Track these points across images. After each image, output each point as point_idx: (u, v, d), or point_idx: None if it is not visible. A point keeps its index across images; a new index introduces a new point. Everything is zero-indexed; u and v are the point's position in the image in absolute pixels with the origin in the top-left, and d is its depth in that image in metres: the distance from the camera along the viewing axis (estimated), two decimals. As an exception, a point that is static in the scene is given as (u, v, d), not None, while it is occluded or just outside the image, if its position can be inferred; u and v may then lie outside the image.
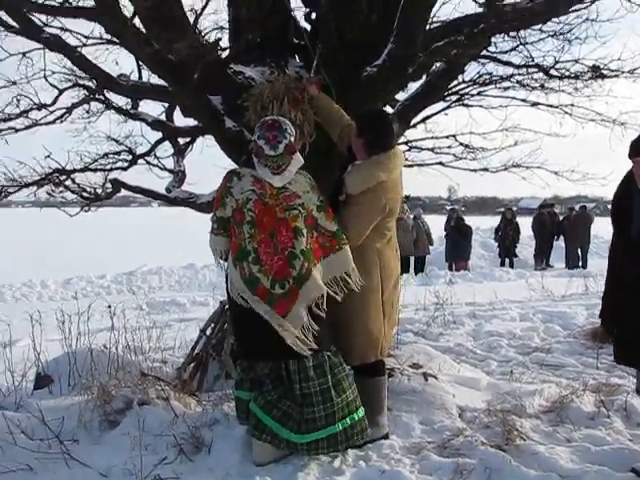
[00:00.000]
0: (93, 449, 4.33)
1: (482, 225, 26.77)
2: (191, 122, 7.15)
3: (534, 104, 7.78)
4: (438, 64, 6.34)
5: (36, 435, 4.41)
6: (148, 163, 7.88)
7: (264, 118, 4.14)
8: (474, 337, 8.28)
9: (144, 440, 4.18)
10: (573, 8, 5.74)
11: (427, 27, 5.16)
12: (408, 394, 5.03)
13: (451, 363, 6.14)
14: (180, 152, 7.83)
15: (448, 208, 22.52)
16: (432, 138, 8.27)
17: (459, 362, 6.49)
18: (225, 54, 5.16)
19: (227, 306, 5.31)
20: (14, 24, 5.31)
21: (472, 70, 7.60)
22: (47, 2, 4.78)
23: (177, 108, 7.16)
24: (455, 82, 7.37)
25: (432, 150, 8.31)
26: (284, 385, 4.13)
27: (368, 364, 4.44)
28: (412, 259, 18.21)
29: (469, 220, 20.56)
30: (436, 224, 20.89)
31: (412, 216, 18.36)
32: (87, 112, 7.78)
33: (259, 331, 4.00)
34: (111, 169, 7.47)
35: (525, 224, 21.43)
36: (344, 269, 4.11)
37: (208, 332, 6.10)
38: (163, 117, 7.63)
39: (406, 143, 8.19)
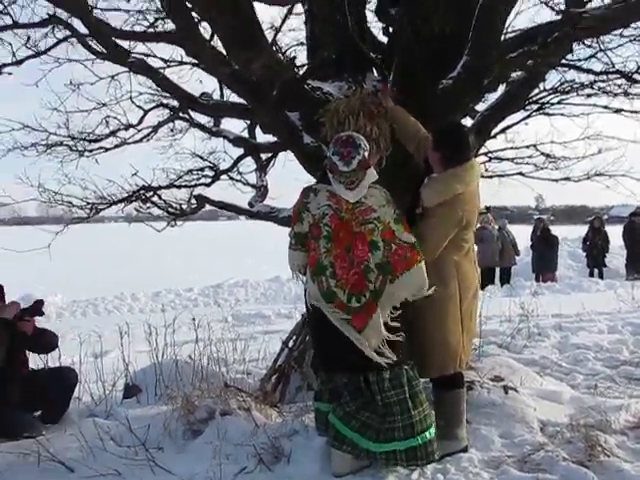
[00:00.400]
0: (177, 457, 4.48)
1: (571, 235, 26.05)
2: (272, 138, 7.31)
3: (617, 110, 7.57)
4: (518, 73, 6.28)
5: (124, 442, 4.59)
6: (231, 179, 8.10)
7: (338, 134, 4.19)
8: (559, 350, 8.07)
9: (225, 449, 4.29)
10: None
11: (502, 37, 5.14)
12: (488, 407, 4.96)
13: (534, 376, 6.03)
14: (262, 167, 8.01)
15: (535, 218, 21.99)
16: (512, 148, 8.18)
17: (543, 375, 6.36)
18: (302, 71, 5.28)
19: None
20: (103, 50, 5.60)
21: (553, 78, 7.49)
22: (132, 29, 5.01)
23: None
24: (535, 91, 7.28)
25: (512, 160, 8.21)
26: (363, 396, 4.16)
27: (447, 376, 4.43)
28: (497, 270, 17.89)
29: (557, 230, 20.07)
30: (523, 234, 20.46)
31: (497, 227, 18.04)
32: (172, 130, 8.11)
33: (337, 344, 4.04)
34: (195, 185, 7.74)
35: (616, 233, 20.72)
36: (420, 286, 4.06)
37: (290, 344, 6.19)
38: (245, 133, 7.84)
39: (486, 154, 8.11)
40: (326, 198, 4.10)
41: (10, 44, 6.42)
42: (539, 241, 18.56)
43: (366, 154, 4.05)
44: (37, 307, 5.62)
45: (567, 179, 8.15)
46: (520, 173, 8.12)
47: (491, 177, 8.14)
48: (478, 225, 16.81)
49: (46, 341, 5.66)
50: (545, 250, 18.42)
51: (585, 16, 4.93)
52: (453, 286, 4.30)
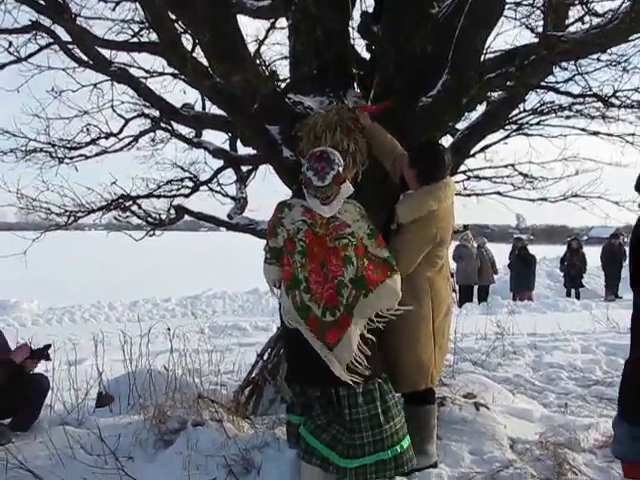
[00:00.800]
0: (147, 466, 4.47)
1: (549, 254, 26.27)
2: (252, 151, 7.34)
3: (594, 133, 7.69)
4: (498, 93, 6.37)
5: (94, 451, 4.58)
6: (211, 190, 8.12)
7: (313, 149, 4.23)
8: (533, 368, 8.16)
9: (195, 460, 4.30)
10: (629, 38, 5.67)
11: (481, 58, 5.21)
12: (459, 423, 5.00)
13: (506, 394, 6.08)
14: (242, 179, 8.03)
15: (514, 237, 22.15)
16: (491, 167, 8.27)
17: (515, 393, 6.42)
18: (283, 85, 5.33)
19: (282, 332, 5.43)
20: (86, 59, 5.62)
21: (533, 99, 7.60)
22: (115, 38, 5.04)
23: (239, 137, 7.37)
24: (515, 111, 7.37)
25: (491, 179, 8.30)
26: (334, 409, 4.16)
27: (418, 392, 4.46)
28: (475, 288, 18.00)
29: (536, 249, 20.24)
30: (503, 253, 20.62)
31: (476, 245, 18.17)
32: (153, 140, 8.11)
33: (309, 358, 4.03)
34: (174, 195, 7.74)
35: (595, 254, 20.94)
36: (393, 300, 4.08)
37: (265, 357, 6.20)
38: (226, 145, 7.87)
39: (465, 172, 8.20)
40: (301, 213, 4.12)
41: (-8, 50, 6.41)
42: (517, 260, 18.71)
43: (340, 169, 4.06)
44: (45, 351, 5.68)
45: (544, 199, 8.24)
46: (498, 192, 8.21)
47: (469, 195, 8.22)
48: (457, 243, 16.95)
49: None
50: (522, 269, 18.57)
51: (563, 40, 5.03)
52: (426, 302, 4.33)
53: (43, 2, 5.21)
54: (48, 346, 5.72)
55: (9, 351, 5.58)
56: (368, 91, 5.44)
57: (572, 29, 6.12)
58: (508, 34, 10.64)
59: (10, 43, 6.38)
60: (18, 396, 5.46)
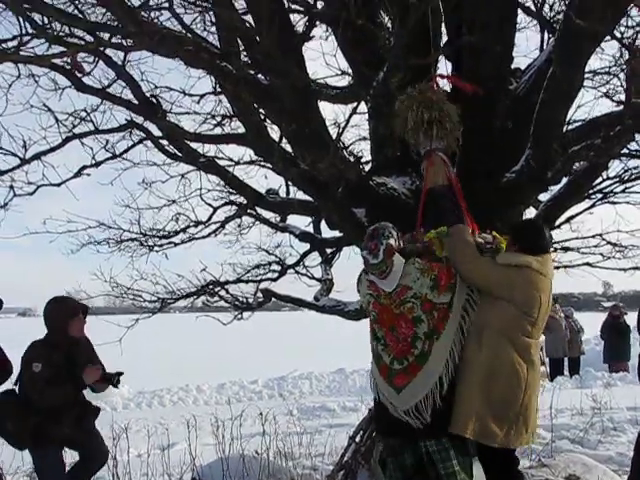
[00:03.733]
0: None
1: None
2: (338, 233, 7.44)
3: (684, 198, 7.48)
4: (581, 163, 6.31)
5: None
6: (297, 272, 8.22)
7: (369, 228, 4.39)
8: (638, 445, 7.74)
9: None
10: None
11: (563, 131, 5.21)
12: (565, 508, 4.78)
13: (612, 475, 5.80)
14: (327, 261, 8.13)
15: (605, 305, 21.38)
16: (578, 238, 8.11)
17: (621, 474, 6.10)
18: (367, 167, 5.43)
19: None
20: (176, 152, 5.90)
21: (617, 166, 7.47)
22: (201, 130, 5.27)
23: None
24: (599, 179, 7.26)
25: (578, 250, 8.12)
26: None
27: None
28: (566, 360, 17.38)
29: (627, 317, 19.44)
30: (592, 322, 19.91)
31: (564, 315, 17.64)
32: (239, 226, 8.32)
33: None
34: (262, 280, 7.88)
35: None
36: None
37: (357, 439, 6.13)
38: (310, 228, 8.01)
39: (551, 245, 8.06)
40: (367, 287, 4.37)
41: (91, 148, 6.81)
42: (609, 329, 18.01)
43: (391, 241, 4.20)
44: (116, 377, 5.67)
45: (636, 268, 7.99)
46: (587, 264, 8.02)
47: (558, 268, 8.04)
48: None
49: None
50: (616, 339, 17.84)
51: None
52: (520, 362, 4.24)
53: (137, 103, 5.54)
54: (120, 373, 5.71)
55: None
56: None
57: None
58: (586, 99, 10.54)
59: (107, 141, 6.77)
60: (82, 428, 5.38)
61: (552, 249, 7.95)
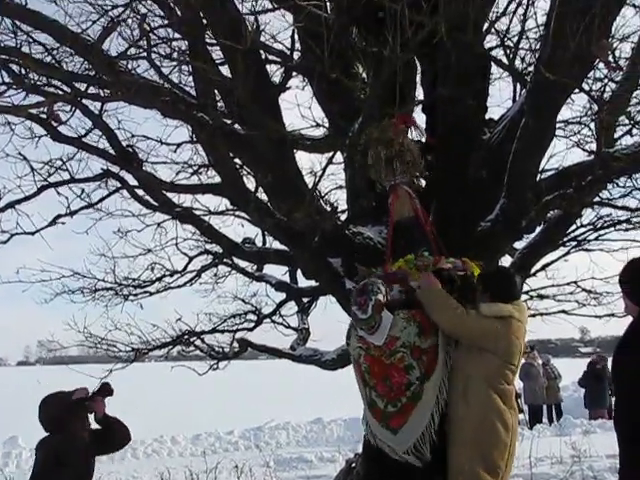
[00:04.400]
0: None
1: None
2: (314, 282, 7.43)
3: (657, 244, 7.57)
4: (555, 212, 6.38)
5: None
6: (273, 322, 8.18)
7: (357, 285, 4.43)
8: (618, 495, 7.66)
9: None
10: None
11: (536, 179, 5.27)
12: None
13: (593, 525, 5.72)
14: (304, 310, 8.11)
15: (582, 351, 21.42)
16: (553, 286, 8.16)
17: (602, 525, 6.04)
18: (343, 217, 5.44)
19: (353, 464, 5.34)
20: (152, 202, 5.88)
21: (590, 214, 7.55)
22: (177, 181, 5.28)
23: (299, 269, 7.46)
24: (573, 227, 7.35)
25: (554, 298, 8.17)
26: None
27: None
28: (544, 407, 17.32)
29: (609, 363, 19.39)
30: (570, 368, 19.93)
31: (542, 362, 17.65)
32: (215, 275, 8.28)
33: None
34: (237, 330, 7.82)
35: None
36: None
37: (335, 491, 6.01)
38: (287, 277, 7.98)
39: (527, 292, 8.10)
40: (356, 341, 4.39)
41: (66, 197, 6.77)
42: (588, 376, 18.00)
43: (380, 297, 4.21)
44: (106, 388, 5.35)
45: (611, 315, 8.04)
46: (563, 311, 8.07)
47: (534, 316, 8.07)
48: (523, 361, 16.47)
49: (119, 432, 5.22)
50: (595, 385, 17.82)
51: (617, 155, 5.08)
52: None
53: (114, 153, 5.54)
54: (106, 384, 5.41)
55: None
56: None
57: (622, 141, 6.22)
58: (559, 149, 10.72)
59: (82, 190, 6.74)
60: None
61: (527, 296, 8.03)
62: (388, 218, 5.42)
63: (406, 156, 4.84)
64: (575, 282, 8.13)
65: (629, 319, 3.38)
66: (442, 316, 4.26)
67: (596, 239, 7.82)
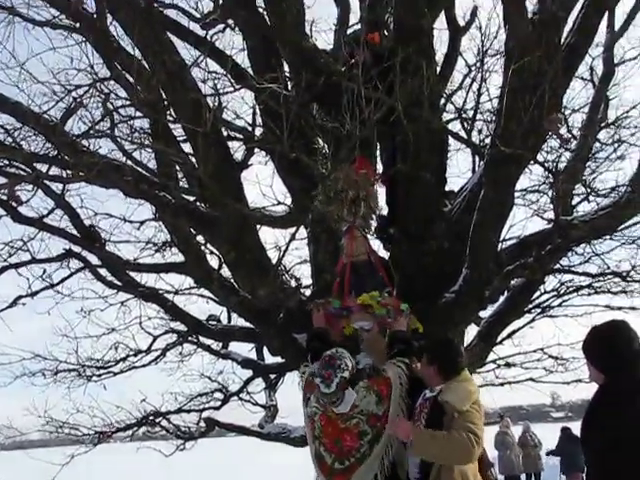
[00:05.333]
0: None
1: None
2: (280, 358, 7.35)
3: (618, 308, 7.69)
4: (518, 280, 6.45)
5: None
6: (240, 399, 8.05)
7: (325, 352, 4.30)
8: None
9: None
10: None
11: (498, 249, 5.34)
12: None
13: None
14: (271, 386, 8.02)
15: (554, 416, 21.33)
16: (520, 353, 8.20)
17: None
18: (308, 292, 5.44)
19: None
20: (115, 281, 5.82)
21: (552, 280, 7.65)
22: (141, 259, 5.25)
23: (266, 345, 7.39)
24: (537, 294, 7.43)
25: (522, 365, 8.20)
26: None
27: None
28: (523, 477, 17.00)
29: (577, 426, 19.27)
30: (542, 434, 19.74)
31: (522, 430, 17.39)
32: (180, 353, 8.15)
33: None
34: (204, 409, 7.68)
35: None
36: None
37: None
38: (253, 354, 7.90)
39: (494, 361, 8.11)
40: (315, 401, 4.31)
41: (27, 278, 6.68)
42: (561, 442, 17.82)
43: (346, 374, 4.14)
44: None
45: (579, 381, 8.07)
46: (531, 379, 8.08)
47: (502, 384, 8.08)
48: (497, 429, 16.27)
49: None
50: (570, 449, 17.62)
51: (574, 223, 5.17)
52: None
53: (76, 233, 5.50)
54: None
55: None
56: (390, 290, 5.53)
57: (579, 208, 6.37)
58: (518, 218, 10.93)
59: (44, 271, 6.65)
60: None
61: (495, 365, 8.03)
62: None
63: (370, 202, 4.88)
64: (542, 349, 8.19)
65: (596, 385, 3.38)
66: (452, 459, 4.08)
67: (560, 305, 7.93)
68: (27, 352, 7.70)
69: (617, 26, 6.71)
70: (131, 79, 5.09)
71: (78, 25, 5.44)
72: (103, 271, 6.43)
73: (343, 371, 4.14)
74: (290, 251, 7.15)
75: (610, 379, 3.22)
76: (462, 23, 6.79)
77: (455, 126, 6.99)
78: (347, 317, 4.72)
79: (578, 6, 4.88)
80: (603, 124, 7.03)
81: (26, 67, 5.54)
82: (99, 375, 7.95)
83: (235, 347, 8.03)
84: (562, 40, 4.80)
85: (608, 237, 6.73)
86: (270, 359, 7.68)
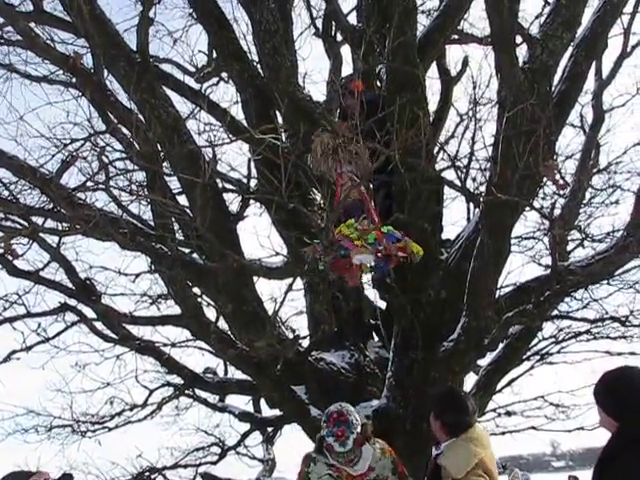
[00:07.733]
0: None
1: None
2: (278, 411, 7.25)
3: (618, 354, 7.63)
4: (516, 327, 6.41)
5: None
6: (238, 453, 7.92)
7: (330, 409, 4.17)
8: None
9: None
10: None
11: (496, 296, 5.31)
12: None
13: None
14: (269, 440, 7.89)
15: (555, 465, 21.01)
16: (520, 402, 8.11)
17: None
18: (305, 343, 5.39)
19: None
20: (111, 335, 5.77)
21: (550, 326, 7.62)
22: (140, 313, 5.21)
23: (263, 398, 7.29)
24: (535, 340, 7.37)
25: (522, 414, 8.10)
26: None
27: None
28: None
29: (579, 475, 19.03)
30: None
31: (521, 480, 17.08)
32: (176, 407, 8.04)
33: None
34: (201, 464, 7.54)
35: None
36: None
37: None
38: (250, 407, 7.78)
39: (494, 410, 8.01)
40: (326, 468, 4.10)
41: (22, 332, 6.61)
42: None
43: (359, 429, 4.02)
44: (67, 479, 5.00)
45: (581, 428, 7.96)
46: (532, 427, 7.97)
47: (503, 434, 7.97)
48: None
49: None
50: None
51: (572, 269, 5.16)
52: None
53: (72, 286, 5.47)
54: (68, 475, 5.01)
55: None
56: (388, 341, 5.49)
57: (575, 253, 6.37)
58: (515, 264, 10.95)
59: (39, 324, 6.59)
60: None
61: (495, 414, 7.93)
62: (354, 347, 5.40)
63: (350, 145, 4.71)
64: (542, 397, 8.10)
65: (600, 431, 3.31)
66: None
67: (558, 352, 7.88)
68: (20, 408, 7.60)
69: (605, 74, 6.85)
70: (127, 132, 5.12)
71: (75, 80, 5.50)
72: (99, 324, 6.37)
73: (356, 427, 4.02)
74: (286, 303, 7.15)
75: (624, 425, 3.16)
76: (454, 73, 6.91)
77: (449, 174, 7.05)
78: (349, 257, 4.35)
79: (567, 55, 4.98)
80: (595, 170, 7.09)
81: (23, 121, 5.57)
82: (94, 430, 7.79)
83: (232, 400, 7.92)
84: (553, 87, 4.87)
85: (606, 282, 6.73)
86: (268, 411, 7.59)
